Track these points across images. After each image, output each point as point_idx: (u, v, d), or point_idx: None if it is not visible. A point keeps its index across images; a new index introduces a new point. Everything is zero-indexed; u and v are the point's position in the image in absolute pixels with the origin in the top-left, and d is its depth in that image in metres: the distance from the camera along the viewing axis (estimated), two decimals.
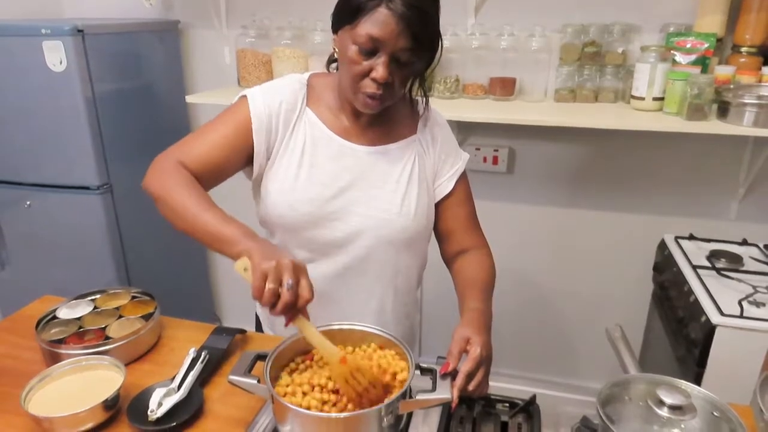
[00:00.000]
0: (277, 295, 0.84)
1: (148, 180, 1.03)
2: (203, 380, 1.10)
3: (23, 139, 2.07)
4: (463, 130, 2.19)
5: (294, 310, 0.86)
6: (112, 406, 1.00)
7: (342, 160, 1.12)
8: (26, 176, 2.13)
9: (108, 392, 0.99)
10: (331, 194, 1.11)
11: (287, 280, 0.84)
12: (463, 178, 1.21)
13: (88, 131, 2.01)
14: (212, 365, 1.14)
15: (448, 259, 1.24)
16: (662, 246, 2.00)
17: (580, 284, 2.34)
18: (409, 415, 1.03)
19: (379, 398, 0.91)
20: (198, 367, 1.10)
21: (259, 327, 1.38)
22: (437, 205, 1.20)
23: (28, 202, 2.15)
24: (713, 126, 1.70)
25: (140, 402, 1.02)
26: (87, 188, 2.08)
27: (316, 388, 0.93)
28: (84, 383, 1.05)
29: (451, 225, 1.21)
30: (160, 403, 1.00)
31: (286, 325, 0.87)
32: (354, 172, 1.12)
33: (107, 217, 2.12)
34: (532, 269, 2.37)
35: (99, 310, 1.28)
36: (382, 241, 1.14)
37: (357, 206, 1.12)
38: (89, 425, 0.97)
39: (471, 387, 0.94)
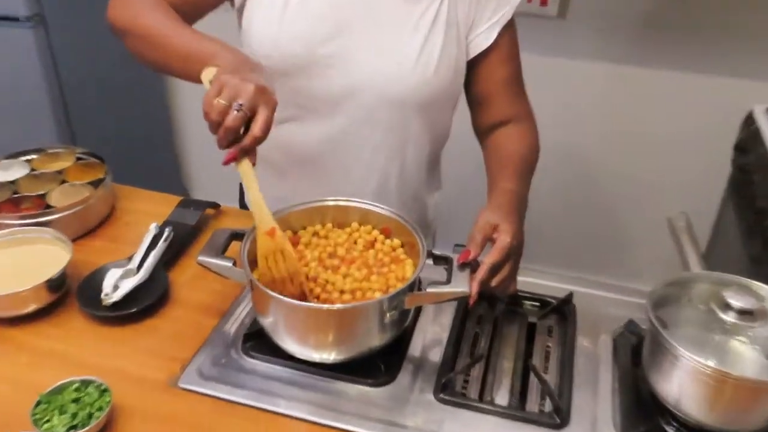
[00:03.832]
0: (224, 114, 0.85)
1: (112, 13, 1.04)
2: (168, 261, 1.13)
3: None
4: None
5: (239, 146, 0.87)
6: (57, 286, 1.03)
7: None
8: None
9: (52, 270, 1.02)
10: (326, 32, 1.07)
11: (240, 101, 0.84)
12: (509, 27, 1.15)
13: None
14: (178, 244, 1.16)
15: (482, 131, 1.23)
16: (749, 120, 1.95)
17: (639, 163, 2.33)
18: (417, 311, 1.06)
19: (294, 297, 0.92)
20: (161, 245, 1.12)
21: (243, 200, 1.40)
22: (472, 62, 1.16)
23: None
24: None
25: (92, 284, 1.05)
26: (15, 19, 2.02)
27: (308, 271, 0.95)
28: (22, 259, 1.08)
29: (489, 89, 1.18)
30: (116, 286, 1.03)
31: (224, 162, 0.88)
32: (358, 5, 1.07)
33: (41, 58, 2.07)
34: (579, 143, 2.36)
35: (37, 173, 1.28)
36: (389, 100, 1.12)
37: (360, 52, 1.09)
38: (31, 308, 1.01)
39: (495, 282, 0.96)
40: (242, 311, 1.05)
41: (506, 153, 1.14)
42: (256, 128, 0.86)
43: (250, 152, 0.89)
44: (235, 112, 0.84)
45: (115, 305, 1.02)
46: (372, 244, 1.02)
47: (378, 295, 0.91)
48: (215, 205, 1.29)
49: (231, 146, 0.87)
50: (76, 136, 2.22)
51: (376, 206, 1.04)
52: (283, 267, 0.92)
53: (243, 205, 1.40)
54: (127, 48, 1.05)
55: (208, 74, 0.89)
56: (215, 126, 0.85)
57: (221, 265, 0.94)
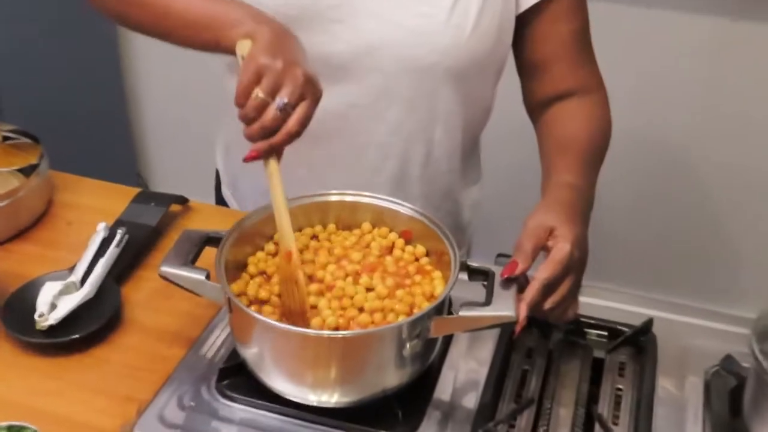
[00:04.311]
0: (262, 110, 0.88)
1: None
2: (121, 273, 1.14)
3: None
4: None
5: (270, 142, 0.90)
6: None
7: None
8: None
9: None
10: None
11: (285, 97, 0.87)
12: None
13: None
14: (135, 251, 1.17)
15: (536, 107, 1.24)
16: None
17: (745, 151, 2.32)
18: (447, 341, 1.06)
19: None
20: (112, 252, 1.13)
21: (220, 193, 1.41)
22: (524, 17, 1.17)
23: None
24: None
25: (22, 301, 1.06)
26: None
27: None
28: None
29: (545, 51, 1.19)
30: (54, 305, 1.04)
31: (248, 159, 0.91)
32: None
33: None
34: (663, 123, 2.35)
35: None
36: (413, 65, 1.13)
37: (375, 2, 1.10)
38: None
39: (549, 304, 0.95)
40: (217, 339, 1.06)
41: (567, 135, 1.15)
42: (293, 123, 0.89)
43: (279, 150, 0.92)
44: (278, 111, 0.87)
45: (53, 329, 1.03)
46: (389, 251, 1.03)
47: (402, 319, 0.91)
48: (182, 200, 1.30)
49: (260, 140, 0.90)
50: (2, 111, 2.24)
51: (395, 203, 1.04)
52: (298, 299, 0.93)
53: (220, 200, 1.40)
54: (96, 9, 1.07)
55: (243, 47, 0.92)
56: (248, 120, 0.89)
57: (191, 278, 0.95)
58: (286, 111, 0.88)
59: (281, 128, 0.89)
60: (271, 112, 0.88)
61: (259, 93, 0.87)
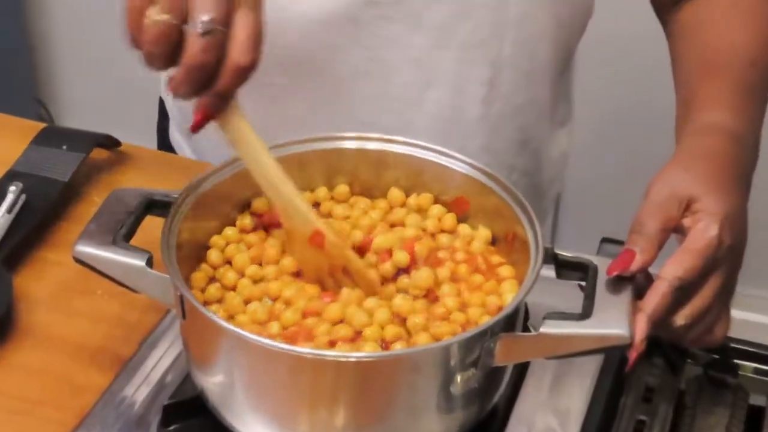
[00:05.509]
0: (173, 40, 0.81)
1: None
2: (13, 254, 1.15)
3: None
4: None
5: (215, 90, 0.84)
6: None
7: None
8: None
9: None
10: None
11: (204, 14, 0.79)
12: None
13: None
14: (36, 219, 1.19)
15: (667, 2, 1.24)
16: None
17: None
18: (520, 374, 1.07)
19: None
20: (1, 220, 1.14)
21: (168, 133, 1.43)
22: None
23: None
24: None
25: None
26: None
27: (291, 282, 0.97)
28: None
29: None
30: None
31: (195, 127, 0.87)
32: None
33: None
34: None
35: None
36: None
37: None
38: None
39: (683, 319, 0.95)
40: (161, 360, 1.06)
41: (717, 46, 1.15)
42: (238, 51, 0.82)
43: (231, 96, 0.87)
44: (200, 31, 0.80)
45: None
46: (431, 234, 1.03)
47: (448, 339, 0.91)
48: (110, 142, 1.31)
49: (197, 93, 0.85)
50: None
51: (442, 154, 1.04)
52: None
53: (165, 144, 1.41)
54: None
55: None
56: (156, 59, 0.82)
57: (122, 263, 0.95)
58: (214, 34, 0.80)
59: (224, 62, 0.82)
60: (195, 42, 0.80)
61: (154, 15, 0.79)
